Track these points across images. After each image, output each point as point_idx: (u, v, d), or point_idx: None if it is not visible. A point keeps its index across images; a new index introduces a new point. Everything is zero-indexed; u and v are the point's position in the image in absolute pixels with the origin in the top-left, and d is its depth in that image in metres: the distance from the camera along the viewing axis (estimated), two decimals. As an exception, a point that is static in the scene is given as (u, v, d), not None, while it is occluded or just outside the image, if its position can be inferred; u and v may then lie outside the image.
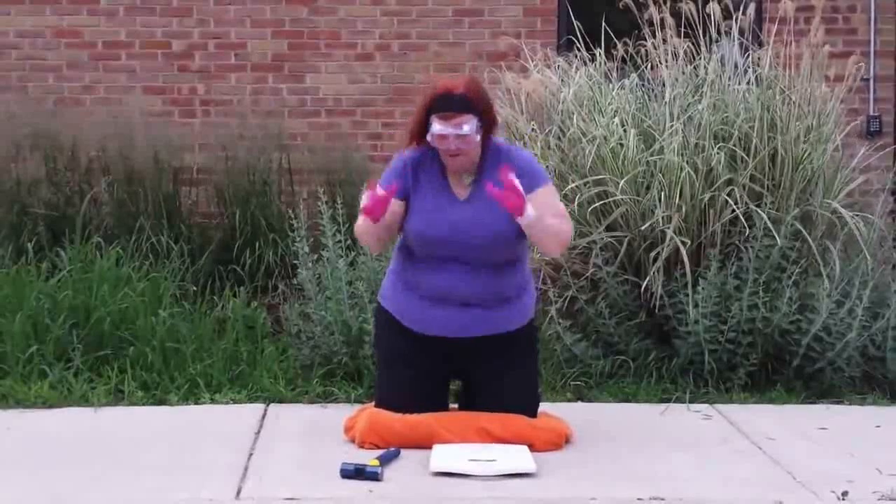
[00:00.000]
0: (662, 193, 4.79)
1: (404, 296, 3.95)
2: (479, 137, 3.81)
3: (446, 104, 3.79)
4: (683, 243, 4.70)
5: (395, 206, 3.85)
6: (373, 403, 4.05)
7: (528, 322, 4.01)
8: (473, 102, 3.80)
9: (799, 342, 4.71)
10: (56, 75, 6.79)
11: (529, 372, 3.98)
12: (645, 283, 4.76)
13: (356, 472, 3.53)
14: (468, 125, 3.77)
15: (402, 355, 3.94)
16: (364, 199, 3.74)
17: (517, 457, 3.67)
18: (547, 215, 3.77)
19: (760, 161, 4.90)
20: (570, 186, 4.93)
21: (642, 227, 4.83)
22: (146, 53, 6.79)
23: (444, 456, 3.66)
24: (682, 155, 4.83)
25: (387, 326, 4.01)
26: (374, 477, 3.52)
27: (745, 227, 4.80)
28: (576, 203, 4.85)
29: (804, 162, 4.94)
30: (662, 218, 4.76)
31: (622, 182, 4.81)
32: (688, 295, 4.68)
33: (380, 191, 3.74)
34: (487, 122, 3.85)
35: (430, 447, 3.76)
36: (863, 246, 4.80)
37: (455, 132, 3.77)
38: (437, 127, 3.78)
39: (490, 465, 3.59)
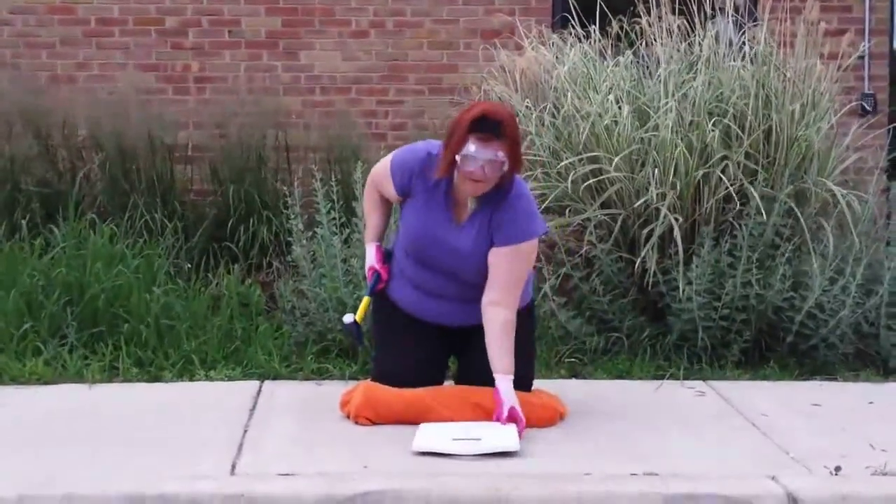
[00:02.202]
0: (656, 170, 4.79)
1: (400, 283, 3.99)
2: (506, 168, 3.73)
3: (487, 126, 3.69)
4: (677, 220, 4.70)
5: (394, 199, 3.98)
6: (369, 379, 4.06)
7: (525, 306, 4.02)
8: (511, 134, 3.73)
9: (792, 319, 4.72)
10: (49, 52, 6.75)
11: (522, 345, 3.96)
12: (639, 260, 4.76)
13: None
14: (502, 152, 3.71)
15: (400, 332, 3.97)
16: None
17: (502, 436, 3.67)
18: (502, 356, 3.77)
19: (755, 138, 4.90)
20: (563, 163, 4.93)
21: (636, 205, 4.83)
22: (140, 30, 6.75)
23: (428, 436, 3.66)
24: (676, 132, 4.83)
25: (385, 304, 4.04)
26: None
27: (739, 205, 4.80)
28: (570, 181, 4.85)
29: (799, 139, 4.94)
30: (656, 195, 4.76)
31: (616, 159, 4.80)
32: (681, 272, 4.69)
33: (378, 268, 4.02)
34: (515, 159, 3.76)
35: (426, 422, 3.78)
36: (850, 224, 4.81)
37: (489, 157, 3.69)
38: (471, 148, 3.69)
39: (474, 444, 3.59)
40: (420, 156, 3.89)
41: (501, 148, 3.71)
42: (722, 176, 4.79)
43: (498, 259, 3.81)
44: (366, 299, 4.03)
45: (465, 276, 3.88)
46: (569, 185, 4.85)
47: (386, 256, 4.05)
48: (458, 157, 3.72)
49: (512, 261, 3.80)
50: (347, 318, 4.00)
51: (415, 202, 3.89)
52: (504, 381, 3.78)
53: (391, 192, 3.95)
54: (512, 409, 3.74)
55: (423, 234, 3.87)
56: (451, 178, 3.84)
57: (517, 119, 3.86)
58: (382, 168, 3.98)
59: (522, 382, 3.90)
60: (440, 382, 4.02)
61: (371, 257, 4.05)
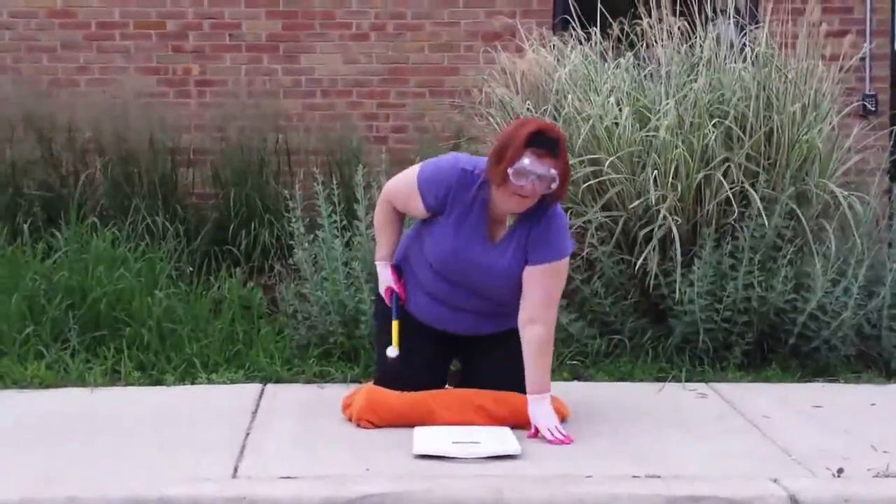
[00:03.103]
0: (656, 173, 4.79)
1: (409, 286, 3.97)
2: (555, 185, 3.70)
3: (544, 142, 3.67)
4: (678, 223, 4.70)
5: (421, 214, 3.88)
6: (371, 382, 4.06)
7: None
8: (564, 154, 3.74)
9: (794, 321, 4.72)
10: (50, 56, 6.76)
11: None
12: (639, 262, 4.76)
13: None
14: (555, 170, 3.69)
15: (404, 334, 3.95)
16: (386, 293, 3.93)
17: (501, 439, 3.67)
18: (542, 374, 3.81)
19: (756, 140, 4.90)
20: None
21: (633, 205, 4.82)
22: (140, 34, 6.77)
23: (427, 439, 3.65)
24: (677, 134, 4.82)
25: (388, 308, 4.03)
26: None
27: (740, 207, 4.80)
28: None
29: (800, 141, 4.93)
30: (657, 197, 4.75)
31: (611, 159, 4.80)
32: (683, 275, 4.69)
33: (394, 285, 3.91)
34: (564, 181, 3.74)
35: (428, 424, 3.78)
36: (852, 225, 4.81)
37: (543, 172, 3.65)
38: (525, 161, 3.65)
39: (474, 447, 3.59)
40: (454, 172, 3.80)
41: (554, 166, 3.68)
42: (723, 179, 4.78)
43: (533, 277, 3.79)
44: (396, 323, 3.91)
45: (493, 294, 3.87)
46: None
47: (399, 273, 3.98)
48: (510, 171, 3.66)
49: (547, 279, 3.79)
50: (392, 353, 3.87)
51: (445, 219, 3.82)
52: (534, 402, 3.79)
53: (419, 208, 3.85)
54: (536, 430, 3.78)
55: (456, 253, 3.81)
56: (488, 196, 3.79)
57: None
58: (405, 185, 3.88)
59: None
60: (441, 386, 4.01)
61: (387, 278, 3.97)
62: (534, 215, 3.79)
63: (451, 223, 3.81)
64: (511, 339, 3.88)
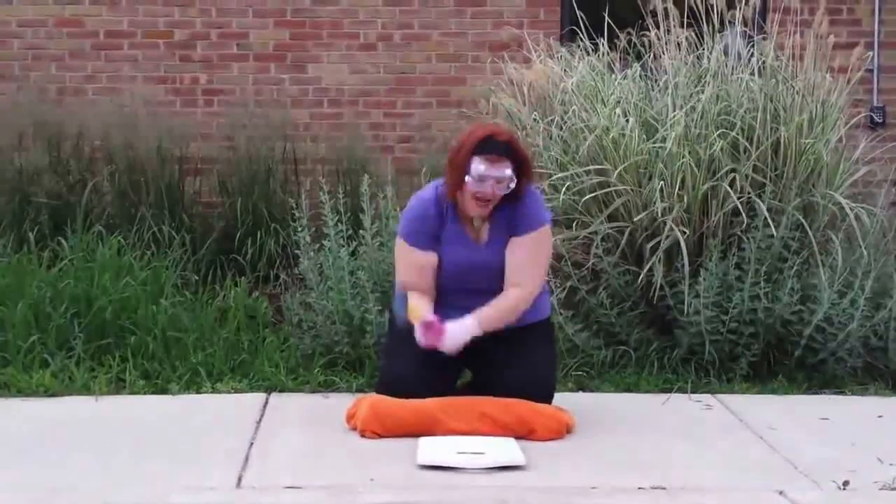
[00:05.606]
0: (663, 183, 4.78)
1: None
2: (513, 185, 3.89)
3: (495, 146, 3.87)
4: (684, 234, 4.70)
5: (432, 260, 3.95)
6: (374, 392, 4.05)
7: (543, 319, 4.11)
8: (515, 150, 3.91)
9: (801, 333, 4.71)
10: (58, 65, 6.78)
11: (541, 359, 4.01)
12: (643, 272, 4.75)
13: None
14: (509, 169, 3.87)
15: (410, 341, 3.93)
16: (421, 336, 3.82)
17: (506, 449, 3.66)
18: (490, 314, 3.87)
19: (763, 151, 4.89)
20: (566, 174, 4.93)
21: (638, 217, 4.81)
22: (148, 43, 6.78)
23: (432, 449, 3.65)
24: (683, 145, 4.82)
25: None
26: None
27: (747, 218, 4.79)
28: (564, 193, 4.82)
29: (807, 152, 4.92)
30: (663, 208, 4.74)
31: (619, 169, 4.79)
32: (689, 285, 4.68)
33: (428, 320, 3.81)
34: (524, 173, 3.92)
35: (433, 433, 3.78)
36: (859, 237, 4.80)
37: (497, 175, 3.85)
38: (480, 168, 3.84)
39: (478, 458, 3.58)
40: (418, 205, 4.01)
41: (509, 165, 3.85)
42: (729, 189, 4.78)
43: (514, 245, 3.94)
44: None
45: (497, 286, 3.94)
46: (561, 197, 4.84)
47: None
48: (467, 179, 3.84)
49: (527, 245, 3.93)
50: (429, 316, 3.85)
51: (443, 246, 3.96)
52: (470, 318, 3.84)
53: (427, 258, 3.95)
54: (434, 324, 3.80)
55: (454, 264, 3.94)
56: (456, 204, 3.95)
57: (524, 132, 3.93)
58: (401, 256, 3.99)
59: (539, 397, 3.92)
60: (446, 392, 3.99)
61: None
62: (508, 205, 3.93)
63: (444, 243, 3.95)
64: (521, 341, 3.95)
